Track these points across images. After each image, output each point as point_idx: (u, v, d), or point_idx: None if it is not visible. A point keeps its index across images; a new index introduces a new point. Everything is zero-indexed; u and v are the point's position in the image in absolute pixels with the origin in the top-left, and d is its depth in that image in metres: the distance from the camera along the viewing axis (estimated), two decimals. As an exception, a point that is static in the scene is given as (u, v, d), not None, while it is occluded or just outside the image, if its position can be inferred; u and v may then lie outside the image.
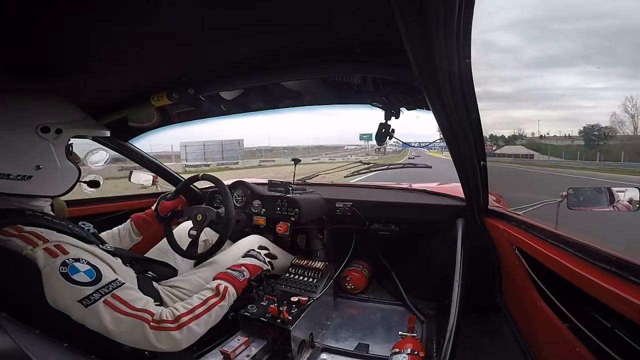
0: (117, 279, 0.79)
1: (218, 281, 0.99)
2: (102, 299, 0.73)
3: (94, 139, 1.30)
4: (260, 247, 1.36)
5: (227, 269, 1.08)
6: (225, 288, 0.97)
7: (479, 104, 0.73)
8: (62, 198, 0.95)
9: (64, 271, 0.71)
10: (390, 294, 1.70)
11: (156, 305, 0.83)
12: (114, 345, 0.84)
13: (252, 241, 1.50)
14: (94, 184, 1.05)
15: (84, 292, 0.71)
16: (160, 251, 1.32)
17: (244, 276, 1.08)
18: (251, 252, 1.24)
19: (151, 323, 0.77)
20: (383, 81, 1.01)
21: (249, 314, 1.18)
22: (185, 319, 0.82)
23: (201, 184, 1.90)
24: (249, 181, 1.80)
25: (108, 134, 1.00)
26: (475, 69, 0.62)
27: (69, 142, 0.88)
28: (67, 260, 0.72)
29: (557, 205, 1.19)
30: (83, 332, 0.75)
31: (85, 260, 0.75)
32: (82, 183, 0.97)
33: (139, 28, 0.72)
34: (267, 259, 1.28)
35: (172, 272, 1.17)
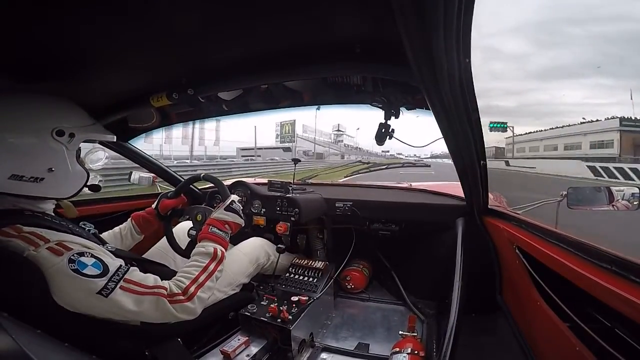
0: (121, 265, 0.81)
1: (212, 244, 0.99)
2: (118, 285, 0.76)
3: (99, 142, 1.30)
4: (279, 250, 1.40)
5: (212, 227, 1.04)
6: (222, 252, 0.99)
7: (479, 103, 0.73)
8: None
9: (74, 267, 0.72)
10: (390, 294, 1.71)
11: (163, 280, 0.87)
12: (114, 345, 0.84)
13: (255, 244, 1.50)
14: (94, 187, 1.05)
15: (100, 284, 0.74)
16: (160, 251, 1.32)
17: (228, 236, 1.07)
18: (234, 205, 1.13)
19: (167, 298, 0.82)
20: (383, 81, 1.01)
21: (249, 314, 1.18)
22: (192, 289, 0.87)
23: (201, 184, 1.90)
24: (248, 181, 1.81)
25: (114, 138, 1.01)
26: (477, 78, 0.62)
27: (79, 146, 0.89)
28: (72, 257, 0.73)
29: (557, 204, 1.20)
30: (84, 331, 0.75)
31: (89, 254, 0.77)
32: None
33: (139, 29, 0.72)
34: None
35: (172, 274, 1.17)
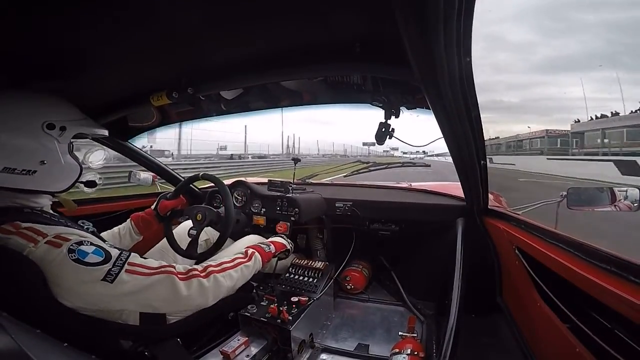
0: (122, 251, 0.81)
1: (251, 250, 1.10)
2: (123, 269, 0.76)
3: (94, 138, 1.30)
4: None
5: (261, 244, 1.18)
6: (253, 252, 1.08)
7: (479, 100, 0.73)
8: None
9: (74, 257, 0.71)
10: (390, 294, 1.70)
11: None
12: (114, 345, 0.83)
13: (252, 240, 1.50)
14: (91, 184, 1.05)
15: (103, 270, 0.73)
16: (160, 251, 1.32)
17: (269, 249, 1.19)
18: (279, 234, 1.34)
19: (178, 275, 0.83)
20: (383, 80, 1.01)
21: (249, 314, 1.18)
22: (212, 269, 0.91)
23: (201, 184, 1.90)
24: (248, 181, 1.81)
25: (106, 133, 1.01)
26: (478, 72, 0.62)
27: (71, 140, 0.89)
28: (72, 247, 0.72)
29: (557, 205, 1.20)
30: (83, 331, 0.74)
31: (88, 242, 0.76)
32: (79, 183, 0.97)
33: (139, 28, 0.72)
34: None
35: None
